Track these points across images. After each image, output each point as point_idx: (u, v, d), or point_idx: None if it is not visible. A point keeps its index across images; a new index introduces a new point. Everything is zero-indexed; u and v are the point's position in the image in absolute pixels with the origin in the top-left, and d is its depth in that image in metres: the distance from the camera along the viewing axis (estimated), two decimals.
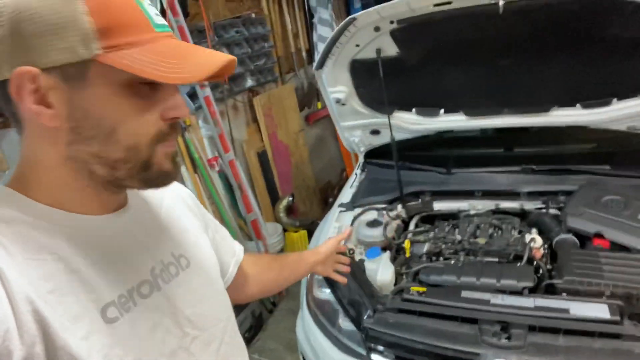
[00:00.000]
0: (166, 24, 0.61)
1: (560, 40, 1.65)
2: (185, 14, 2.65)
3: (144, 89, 0.58)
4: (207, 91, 2.82)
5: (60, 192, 0.61)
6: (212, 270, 0.85)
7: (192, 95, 2.83)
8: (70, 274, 0.58)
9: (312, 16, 4.00)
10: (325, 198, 4.17)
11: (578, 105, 1.89)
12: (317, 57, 3.95)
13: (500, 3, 1.45)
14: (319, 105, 4.19)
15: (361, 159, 2.41)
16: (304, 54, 4.02)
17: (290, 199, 3.58)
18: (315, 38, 4.01)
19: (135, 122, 0.58)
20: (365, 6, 4.47)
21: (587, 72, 1.76)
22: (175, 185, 0.86)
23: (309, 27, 4.04)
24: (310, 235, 2.97)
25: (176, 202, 0.85)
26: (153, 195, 0.80)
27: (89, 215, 0.64)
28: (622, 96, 1.81)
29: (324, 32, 3.98)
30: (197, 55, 0.59)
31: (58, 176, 0.60)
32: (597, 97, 1.84)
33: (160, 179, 0.64)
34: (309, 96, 4.11)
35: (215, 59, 0.58)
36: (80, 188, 0.62)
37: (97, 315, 0.59)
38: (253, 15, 3.33)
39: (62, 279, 0.57)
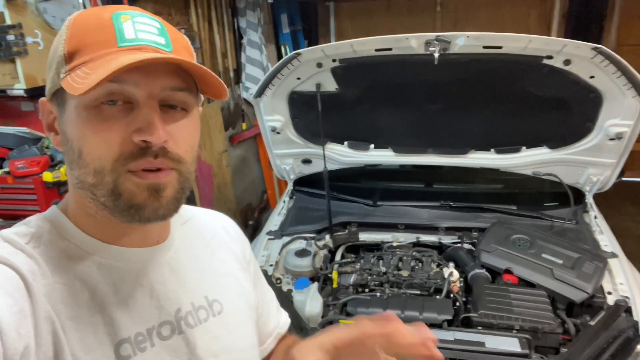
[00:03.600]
0: (146, 38, 0.57)
1: (483, 92, 1.83)
2: None
3: (110, 109, 0.55)
4: None
5: (85, 218, 0.62)
6: (247, 320, 0.78)
7: None
8: (93, 303, 0.58)
9: (241, 37, 3.99)
10: (245, 220, 4.11)
11: (492, 150, 2.09)
12: (244, 77, 3.99)
13: (436, 55, 1.57)
14: (244, 126, 4.15)
15: (290, 187, 2.43)
16: (231, 73, 3.97)
17: None
18: (243, 59, 4.00)
19: (96, 144, 0.55)
20: (293, 32, 4.57)
21: (503, 122, 1.97)
22: (229, 225, 0.85)
23: (238, 48, 4.02)
24: None
25: (226, 242, 0.81)
26: (203, 232, 0.78)
27: (124, 247, 0.63)
28: (530, 145, 2.04)
29: (252, 54, 3.99)
30: (119, 61, 0.52)
31: (78, 201, 0.62)
32: (509, 144, 2.06)
33: (134, 211, 0.58)
34: (235, 116, 4.06)
35: (130, 59, 0.52)
36: (94, 214, 0.60)
37: (110, 351, 0.58)
38: (182, 30, 3.23)
39: (84, 308, 0.57)
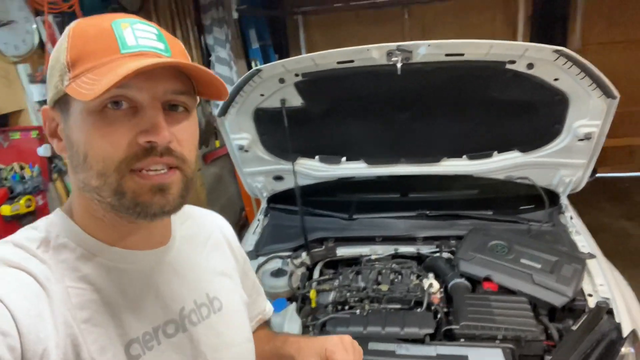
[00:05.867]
0: (147, 45, 0.59)
1: (450, 99, 1.83)
2: None
3: (115, 113, 0.57)
4: None
5: (91, 221, 0.64)
6: (243, 316, 0.83)
7: None
8: (104, 305, 0.61)
9: (209, 54, 3.95)
10: None
11: (464, 156, 2.09)
12: None
13: (399, 65, 1.55)
14: (217, 143, 4.09)
15: (264, 205, 2.38)
16: None
17: None
18: None
19: (101, 147, 0.57)
20: (263, 47, 4.53)
21: (473, 128, 1.97)
22: (223, 224, 0.90)
23: (206, 65, 3.98)
24: None
25: (221, 242, 0.85)
26: (200, 232, 0.81)
27: (130, 249, 0.66)
28: (502, 150, 2.04)
29: (221, 71, 3.95)
30: (125, 67, 0.54)
31: (83, 204, 0.64)
32: (480, 150, 2.05)
33: (139, 209, 0.60)
34: (207, 134, 4.00)
35: (136, 65, 0.54)
36: (101, 217, 0.63)
37: (121, 351, 0.61)
38: None
39: (96, 310, 0.60)
